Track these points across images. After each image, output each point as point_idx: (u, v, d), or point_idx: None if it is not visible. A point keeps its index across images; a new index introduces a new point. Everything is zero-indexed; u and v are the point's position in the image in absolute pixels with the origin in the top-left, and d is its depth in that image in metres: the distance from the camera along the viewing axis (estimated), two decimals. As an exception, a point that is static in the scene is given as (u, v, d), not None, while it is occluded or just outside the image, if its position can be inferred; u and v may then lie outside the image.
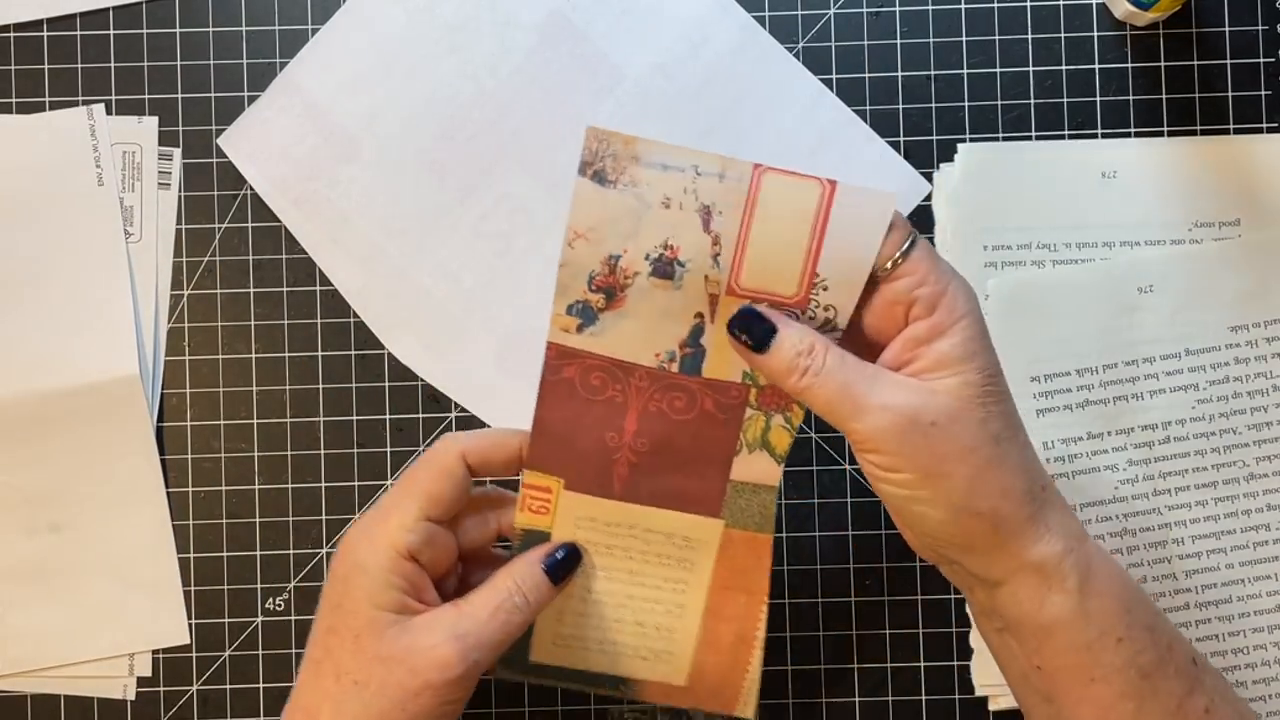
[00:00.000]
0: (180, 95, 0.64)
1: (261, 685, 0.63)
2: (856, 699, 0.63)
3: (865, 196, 0.51)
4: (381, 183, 0.64)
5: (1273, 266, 0.63)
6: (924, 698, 0.63)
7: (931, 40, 0.64)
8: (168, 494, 0.64)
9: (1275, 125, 0.64)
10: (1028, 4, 0.64)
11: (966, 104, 0.64)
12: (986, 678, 0.63)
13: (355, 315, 0.64)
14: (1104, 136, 0.64)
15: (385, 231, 0.64)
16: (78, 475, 0.63)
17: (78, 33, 0.64)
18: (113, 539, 0.63)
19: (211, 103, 0.64)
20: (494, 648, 0.53)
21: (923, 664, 0.63)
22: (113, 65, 0.64)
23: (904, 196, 0.63)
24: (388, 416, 0.64)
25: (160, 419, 0.64)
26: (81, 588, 0.63)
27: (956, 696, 0.63)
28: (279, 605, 0.64)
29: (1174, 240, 0.63)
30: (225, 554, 0.64)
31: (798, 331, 0.51)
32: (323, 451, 0.64)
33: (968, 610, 0.61)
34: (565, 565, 0.56)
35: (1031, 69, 0.64)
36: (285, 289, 0.64)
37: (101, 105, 0.64)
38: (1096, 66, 0.64)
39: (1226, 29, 0.64)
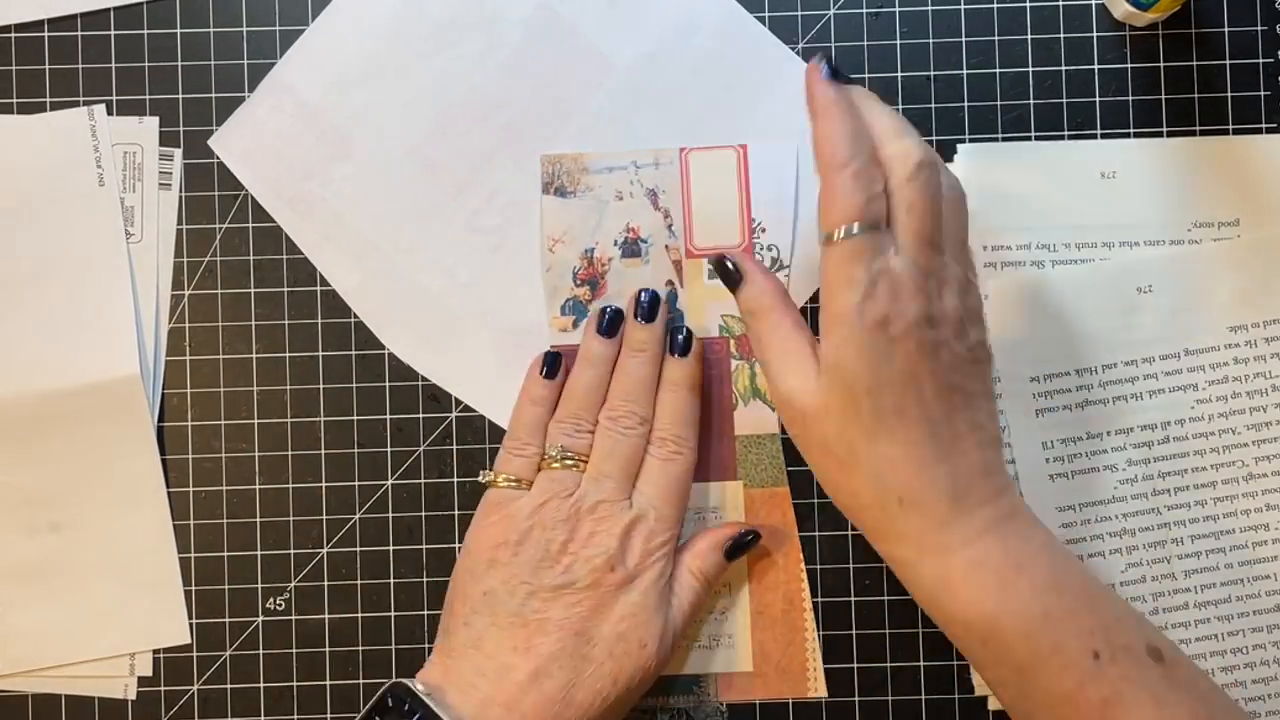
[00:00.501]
0: (181, 95, 0.64)
1: (262, 685, 0.63)
2: (856, 699, 0.63)
3: (773, 149, 0.63)
4: (374, 180, 0.64)
5: (1272, 266, 0.63)
6: (924, 697, 0.63)
7: (931, 41, 0.64)
8: (168, 494, 0.64)
9: (1274, 126, 0.64)
10: (1027, 5, 0.64)
11: (966, 104, 0.64)
12: (986, 677, 0.63)
13: (355, 315, 0.64)
14: (1103, 137, 0.64)
15: (379, 229, 0.64)
16: (78, 475, 0.63)
17: (78, 33, 0.65)
18: (113, 539, 0.63)
19: (212, 103, 0.64)
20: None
21: (922, 664, 0.63)
22: (113, 65, 0.64)
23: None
24: (388, 416, 0.64)
25: (161, 419, 0.64)
26: (82, 587, 0.63)
27: (956, 696, 0.63)
28: (280, 605, 0.64)
29: (1173, 240, 0.63)
30: (226, 554, 0.64)
31: (761, 277, 0.58)
32: (323, 451, 0.64)
33: None
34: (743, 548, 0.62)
35: (1031, 69, 0.64)
36: (286, 289, 0.64)
37: (102, 105, 0.64)
38: (1096, 67, 0.64)
39: (1226, 29, 0.64)
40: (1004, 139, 0.64)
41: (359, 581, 0.64)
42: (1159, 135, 0.64)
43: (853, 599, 0.64)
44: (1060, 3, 0.64)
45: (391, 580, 0.64)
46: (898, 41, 0.64)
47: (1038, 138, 0.64)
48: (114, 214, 0.64)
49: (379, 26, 0.64)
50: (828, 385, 0.53)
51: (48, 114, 0.64)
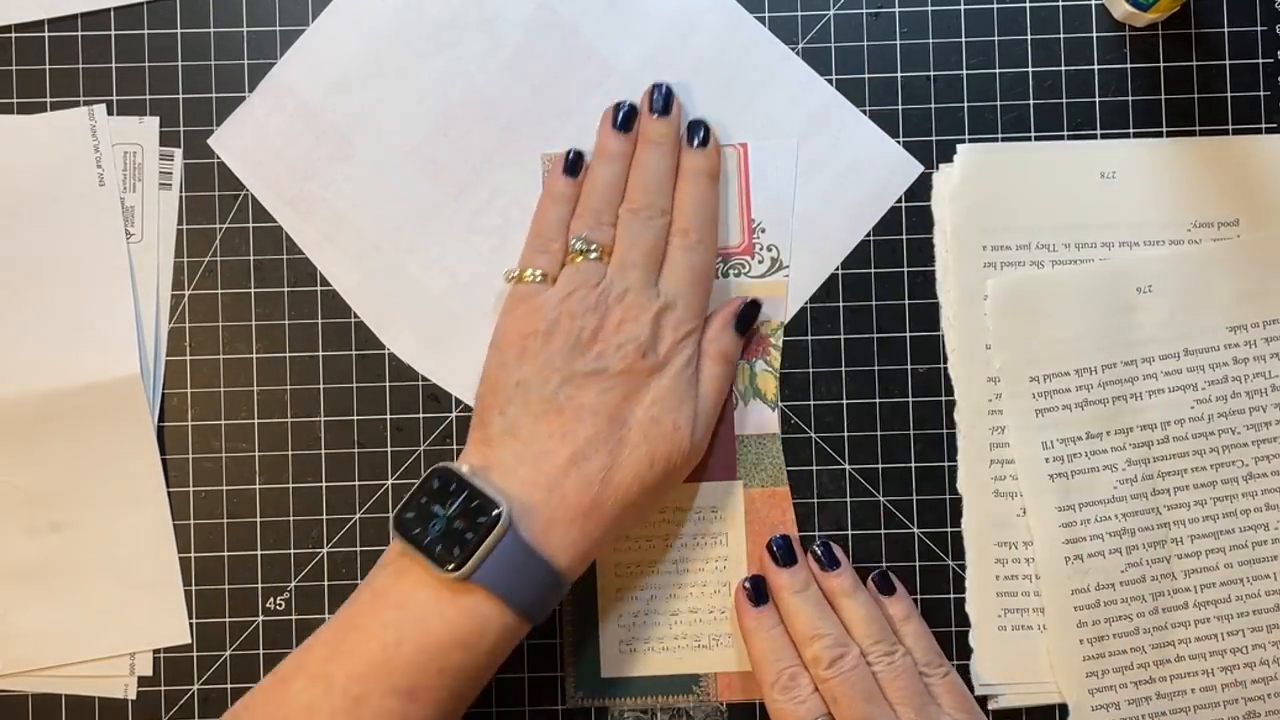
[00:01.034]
0: (181, 96, 0.65)
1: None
2: (856, 699, 0.63)
3: (772, 148, 0.63)
4: (375, 181, 0.64)
5: (1272, 266, 0.63)
6: (923, 697, 0.63)
7: (931, 41, 0.64)
8: (169, 494, 0.64)
9: (1274, 126, 0.64)
10: (1027, 5, 0.64)
11: (966, 105, 0.64)
12: (986, 677, 0.63)
13: (356, 315, 0.64)
14: (1103, 137, 0.64)
15: (380, 229, 0.64)
16: (79, 475, 0.63)
17: (79, 33, 0.65)
18: (114, 539, 0.63)
19: (213, 103, 0.65)
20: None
21: (922, 664, 0.63)
22: (114, 65, 0.64)
23: (896, 177, 0.64)
24: (388, 416, 0.64)
25: (161, 419, 0.64)
26: (83, 587, 0.63)
27: (956, 696, 0.63)
28: (280, 605, 0.64)
29: (1173, 240, 0.63)
30: (226, 554, 0.64)
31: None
32: (323, 451, 0.64)
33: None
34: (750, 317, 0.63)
35: (1031, 70, 0.64)
36: (286, 289, 0.64)
37: (103, 105, 0.64)
38: (1096, 67, 0.64)
39: (1225, 30, 0.64)
40: (1004, 139, 0.64)
41: (359, 582, 0.64)
42: (1159, 135, 0.64)
43: (853, 599, 0.64)
44: (1060, 3, 0.64)
45: (392, 580, 0.64)
46: (897, 42, 0.64)
47: (1037, 138, 0.64)
48: (114, 214, 0.64)
49: (379, 27, 0.64)
50: None
51: (48, 114, 0.64)
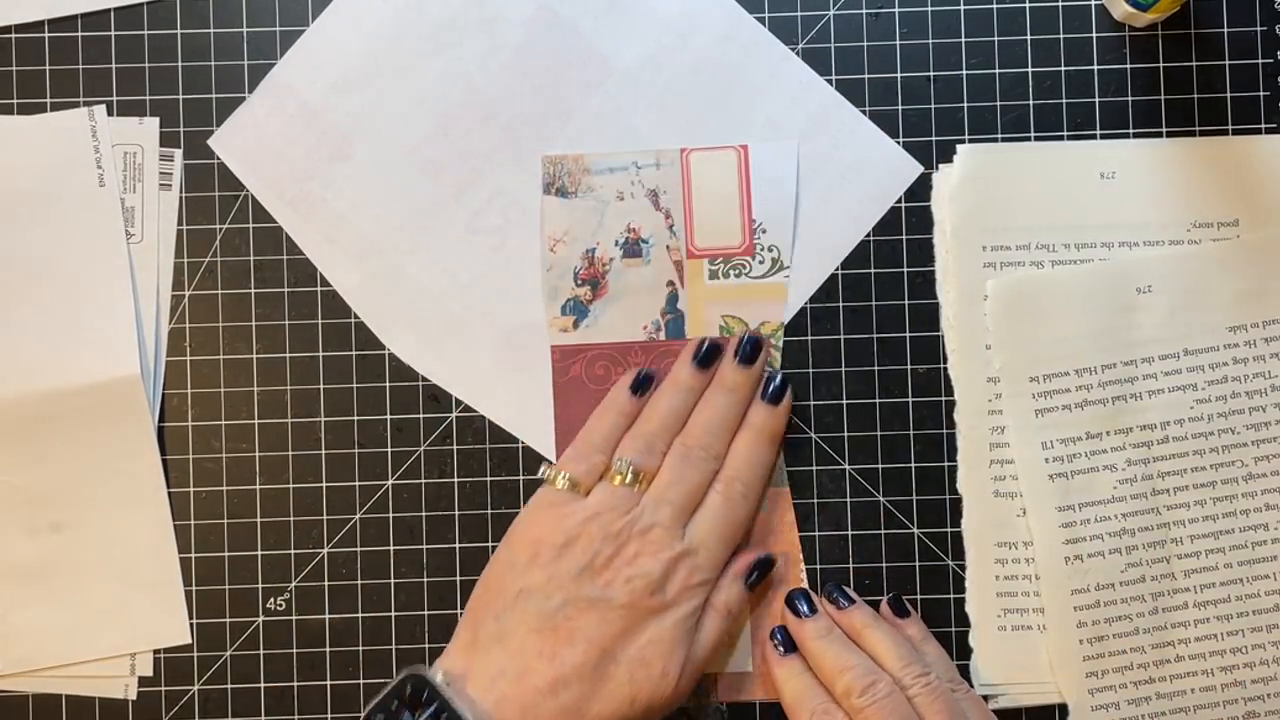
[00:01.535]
0: (181, 96, 0.65)
1: (263, 685, 0.64)
2: (856, 699, 0.63)
3: (774, 149, 0.63)
4: (376, 181, 0.64)
5: (1271, 266, 0.63)
6: (923, 697, 0.63)
7: (931, 41, 0.64)
8: (169, 494, 0.64)
9: (1274, 126, 0.64)
10: (1027, 5, 0.64)
11: (966, 105, 0.64)
12: (986, 677, 0.63)
13: (356, 316, 0.64)
14: (1103, 137, 0.64)
15: (381, 230, 0.64)
16: (79, 475, 0.63)
17: (79, 34, 0.65)
18: (114, 539, 0.63)
19: (213, 104, 0.65)
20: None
21: (922, 664, 0.63)
22: (114, 66, 0.64)
23: (896, 177, 0.64)
24: (388, 417, 0.64)
25: (161, 419, 0.64)
26: (83, 587, 0.63)
27: (956, 696, 0.63)
28: (280, 605, 0.64)
29: (1172, 240, 0.63)
30: (226, 554, 0.64)
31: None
32: (323, 452, 0.64)
33: None
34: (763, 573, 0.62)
35: (1030, 70, 0.64)
36: (286, 289, 0.64)
37: (103, 106, 0.64)
38: (1095, 67, 0.64)
39: (1225, 30, 0.64)
40: (1004, 139, 0.64)
41: (359, 582, 0.64)
42: (1158, 135, 0.64)
43: (853, 599, 0.64)
44: (1060, 3, 0.64)
45: (392, 580, 0.64)
46: (897, 42, 0.64)
47: (1037, 138, 0.64)
48: (114, 214, 0.64)
49: (379, 27, 0.64)
50: None
51: (48, 114, 0.64)
